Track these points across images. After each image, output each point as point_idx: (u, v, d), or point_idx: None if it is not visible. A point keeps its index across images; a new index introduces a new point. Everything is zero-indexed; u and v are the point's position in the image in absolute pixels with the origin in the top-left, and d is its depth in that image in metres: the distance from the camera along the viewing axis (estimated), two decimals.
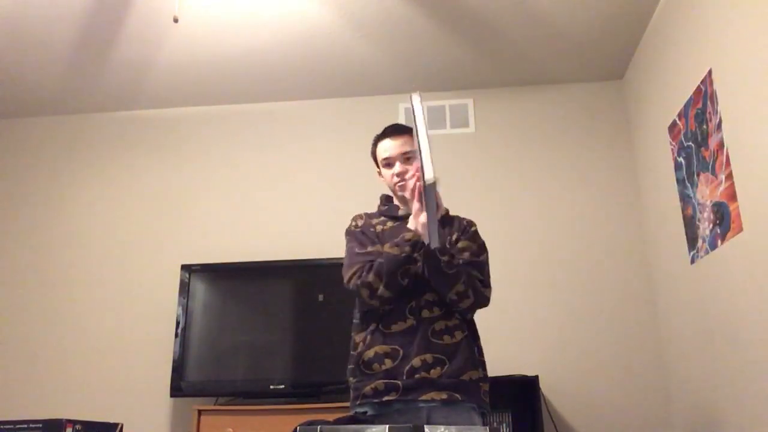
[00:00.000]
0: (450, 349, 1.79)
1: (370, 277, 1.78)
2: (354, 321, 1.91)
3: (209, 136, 3.74)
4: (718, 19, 2.35)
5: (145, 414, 3.22)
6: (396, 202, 2.02)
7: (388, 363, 1.77)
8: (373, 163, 2.07)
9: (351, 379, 1.84)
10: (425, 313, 1.81)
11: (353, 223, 2.00)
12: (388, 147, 1.95)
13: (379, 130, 2.02)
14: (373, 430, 1.41)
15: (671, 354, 2.99)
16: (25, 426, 1.93)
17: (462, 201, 3.17)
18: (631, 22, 3.07)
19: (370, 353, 1.80)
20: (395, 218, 1.97)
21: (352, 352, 1.87)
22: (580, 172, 3.44)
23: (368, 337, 1.82)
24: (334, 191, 3.54)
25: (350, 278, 1.84)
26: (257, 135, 3.71)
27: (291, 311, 3.13)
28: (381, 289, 1.77)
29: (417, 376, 1.75)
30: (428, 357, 1.76)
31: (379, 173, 2.03)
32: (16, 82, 3.49)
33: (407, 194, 1.86)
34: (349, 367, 1.86)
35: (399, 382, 1.75)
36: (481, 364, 1.86)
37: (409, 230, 1.78)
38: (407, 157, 1.92)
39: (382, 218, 2.00)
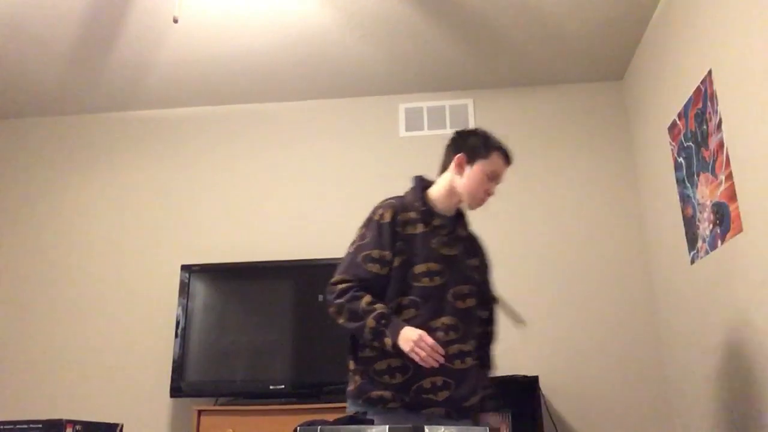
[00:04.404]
0: (458, 374, 1.80)
1: (342, 313, 1.79)
2: None
3: (209, 137, 3.74)
4: (718, 19, 2.35)
5: (145, 414, 3.22)
6: (436, 198, 1.93)
7: (399, 377, 1.77)
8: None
9: (357, 377, 1.82)
10: (440, 335, 1.79)
11: (379, 212, 1.88)
12: (501, 166, 1.94)
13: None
14: (373, 430, 1.41)
15: (671, 354, 2.99)
16: (25, 426, 1.92)
17: None
18: (631, 22, 3.07)
19: (382, 365, 1.79)
20: (429, 221, 1.88)
21: (360, 354, 1.83)
22: (580, 173, 3.44)
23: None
24: (334, 191, 3.54)
25: (337, 282, 1.84)
26: (257, 135, 3.71)
27: (291, 311, 3.13)
28: (344, 326, 1.80)
29: (424, 396, 1.77)
30: (438, 380, 1.77)
31: (465, 166, 1.91)
32: (16, 82, 3.49)
33: (426, 363, 1.70)
34: (357, 367, 1.83)
35: (405, 398, 1.77)
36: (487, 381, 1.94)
37: (396, 336, 1.71)
38: (497, 183, 1.95)
39: (415, 215, 1.89)
